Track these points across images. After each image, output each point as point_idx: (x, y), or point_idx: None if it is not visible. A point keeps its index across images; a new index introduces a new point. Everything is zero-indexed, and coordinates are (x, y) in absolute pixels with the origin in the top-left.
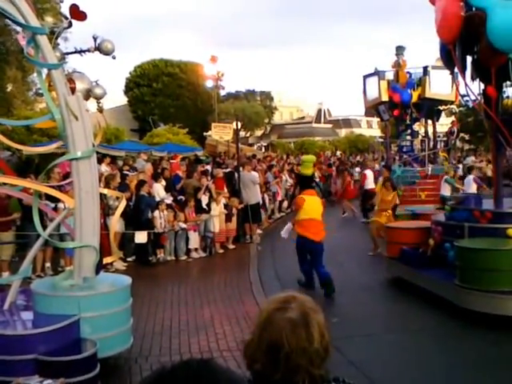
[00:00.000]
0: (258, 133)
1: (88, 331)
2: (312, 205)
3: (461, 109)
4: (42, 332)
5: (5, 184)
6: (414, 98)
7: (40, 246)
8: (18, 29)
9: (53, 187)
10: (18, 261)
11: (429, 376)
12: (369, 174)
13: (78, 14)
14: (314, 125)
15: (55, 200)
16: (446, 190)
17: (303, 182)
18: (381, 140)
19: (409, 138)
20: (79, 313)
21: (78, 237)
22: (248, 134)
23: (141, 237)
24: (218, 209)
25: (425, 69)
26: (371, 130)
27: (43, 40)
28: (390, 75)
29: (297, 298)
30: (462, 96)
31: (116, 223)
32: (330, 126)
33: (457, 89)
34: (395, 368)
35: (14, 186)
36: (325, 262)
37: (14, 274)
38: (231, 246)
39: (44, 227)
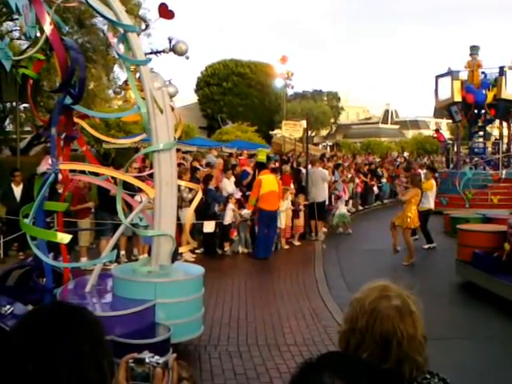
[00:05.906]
0: (324, 132)
1: (162, 316)
2: (268, 180)
3: None
4: (120, 315)
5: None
6: (489, 99)
7: (121, 233)
8: (104, 28)
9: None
10: (94, 247)
11: None
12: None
13: (166, 12)
14: (381, 125)
15: (131, 191)
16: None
17: (260, 167)
18: (450, 142)
19: (481, 139)
20: (155, 298)
21: (157, 225)
22: (313, 134)
23: (209, 226)
24: (284, 205)
25: (501, 69)
26: (440, 131)
27: (133, 37)
28: (463, 75)
29: (392, 287)
30: None
31: (192, 215)
32: (397, 126)
33: None
34: (463, 374)
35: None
36: (392, 264)
37: (97, 259)
38: (297, 243)
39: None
